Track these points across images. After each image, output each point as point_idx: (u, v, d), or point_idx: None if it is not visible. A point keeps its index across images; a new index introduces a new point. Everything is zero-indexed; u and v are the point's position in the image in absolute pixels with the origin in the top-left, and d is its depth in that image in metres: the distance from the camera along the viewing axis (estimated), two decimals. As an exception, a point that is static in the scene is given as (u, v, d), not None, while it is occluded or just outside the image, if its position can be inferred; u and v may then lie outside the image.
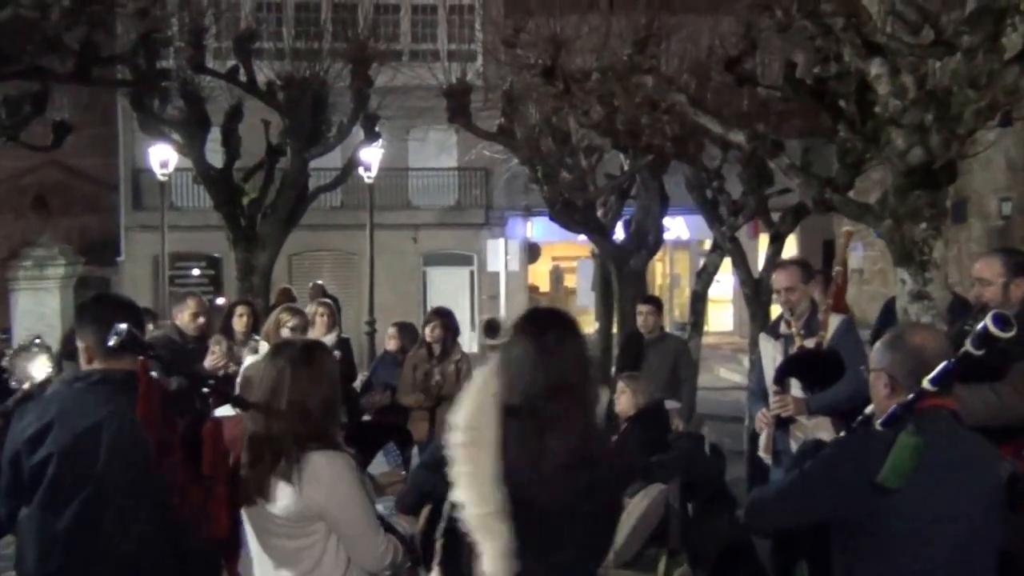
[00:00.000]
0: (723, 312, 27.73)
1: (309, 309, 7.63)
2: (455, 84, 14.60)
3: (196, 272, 26.81)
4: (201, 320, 7.04)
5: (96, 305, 3.87)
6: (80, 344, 3.68)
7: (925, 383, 2.92)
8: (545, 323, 3.00)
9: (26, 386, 4.58)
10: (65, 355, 6.52)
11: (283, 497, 3.25)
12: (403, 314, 17.08)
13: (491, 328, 3.34)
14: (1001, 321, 2.89)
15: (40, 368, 4.70)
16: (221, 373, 6.44)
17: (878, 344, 3.17)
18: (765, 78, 8.76)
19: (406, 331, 8.83)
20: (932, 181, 6.90)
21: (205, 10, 13.91)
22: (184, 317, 6.99)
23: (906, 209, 6.97)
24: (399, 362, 8.54)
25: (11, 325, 13.98)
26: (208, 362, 6.68)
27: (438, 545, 3.08)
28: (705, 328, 14.97)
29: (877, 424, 3.03)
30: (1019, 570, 3.23)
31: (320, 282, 18.26)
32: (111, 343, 3.30)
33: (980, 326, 2.93)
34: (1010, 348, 3.94)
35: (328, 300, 7.90)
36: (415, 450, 8.11)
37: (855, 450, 3.01)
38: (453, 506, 2.89)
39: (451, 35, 21.29)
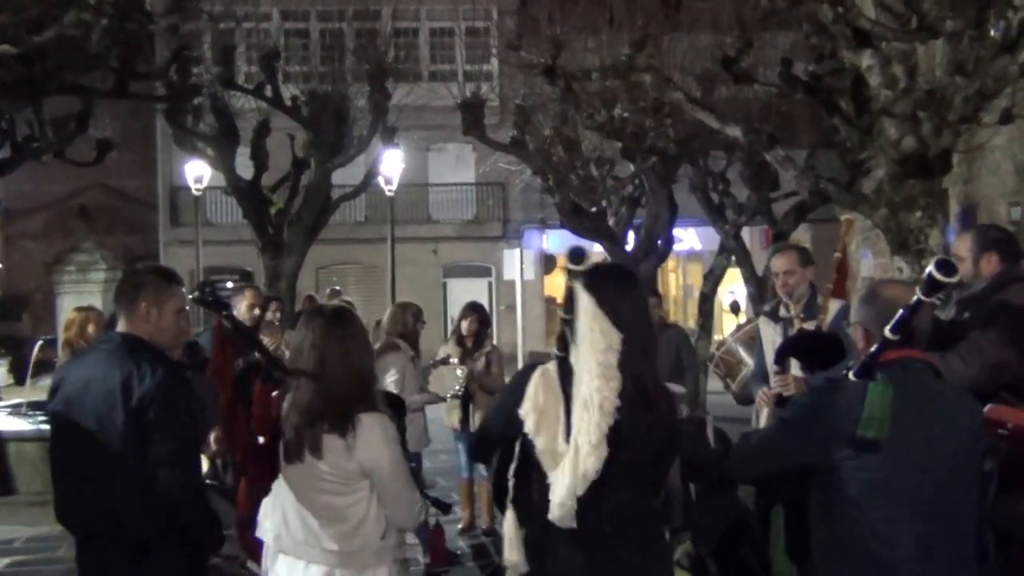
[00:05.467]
0: (736, 322, 27.31)
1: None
2: (469, 98, 14.56)
3: (229, 284, 26.77)
4: (256, 312, 7.06)
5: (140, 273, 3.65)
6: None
7: (886, 332, 2.86)
8: (606, 275, 3.15)
9: None
10: None
11: (335, 455, 3.21)
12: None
13: (577, 254, 3.06)
14: (944, 265, 2.80)
15: None
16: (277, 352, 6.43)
17: (855, 299, 3.13)
18: (766, 79, 8.56)
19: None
20: (926, 170, 6.71)
21: (234, 28, 14.01)
22: (242, 308, 6.94)
23: (901, 198, 6.78)
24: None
25: (56, 326, 14.32)
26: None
27: (510, 484, 3.10)
28: (717, 336, 14.69)
29: (850, 375, 2.96)
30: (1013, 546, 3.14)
31: (338, 287, 18.19)
32: (194, 296, 3.42)
33: (925, 273, 2.83)
34: (968, 321, 4.04)
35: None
36: (452, 435, 8.12)
37: (827, 399, 2.93)
38: (524, 446, 2.96)
39: (467, 56, 21.20)
